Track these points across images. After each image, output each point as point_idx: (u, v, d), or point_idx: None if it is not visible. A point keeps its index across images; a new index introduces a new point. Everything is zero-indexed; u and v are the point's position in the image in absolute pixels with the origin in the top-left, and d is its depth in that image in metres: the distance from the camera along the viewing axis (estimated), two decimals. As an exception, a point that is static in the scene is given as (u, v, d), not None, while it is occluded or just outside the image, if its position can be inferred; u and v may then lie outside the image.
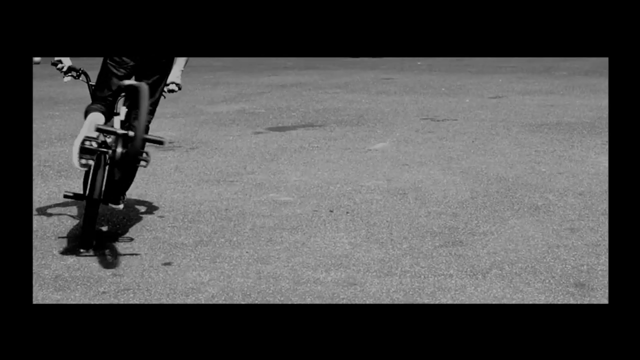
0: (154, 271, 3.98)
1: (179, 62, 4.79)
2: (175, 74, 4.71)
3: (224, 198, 5.34)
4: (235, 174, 6.03)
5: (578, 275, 3.94)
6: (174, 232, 4.60)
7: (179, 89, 4.76)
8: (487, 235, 4.54)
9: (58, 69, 4.61)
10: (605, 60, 16.13)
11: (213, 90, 11.28)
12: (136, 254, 4.22)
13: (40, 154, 6.71)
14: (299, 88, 11.15)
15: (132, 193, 5.44)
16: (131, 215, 4.93)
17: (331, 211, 5.04)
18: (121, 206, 4.46)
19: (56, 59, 4.59)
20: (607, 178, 5.85)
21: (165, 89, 4.64)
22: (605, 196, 5.36)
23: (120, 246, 4.35)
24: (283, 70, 13.54)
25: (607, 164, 6.30)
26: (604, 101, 9.87)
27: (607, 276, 3.93)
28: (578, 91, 10.87)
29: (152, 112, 4.39)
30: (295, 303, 3.57)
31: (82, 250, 4.23)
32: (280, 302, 3.58)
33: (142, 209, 5.08)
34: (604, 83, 11.87)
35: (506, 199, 5.30)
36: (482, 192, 5.49)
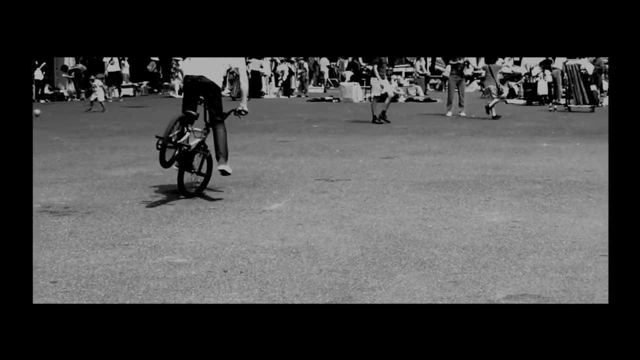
0: (45, 337, 3.96)
1: (244, 94, 7.85)
2: (243, 103, 7.80)
3: (119, 262, 5.36)
4: (130, 237, 6.05)
5: (458, 324, 4.18)
6: (65, 298, 4.59)
7: (246, 113, 7.82)
8: (375, 290, 4.75)
9: None
10: (488, 122, 16.98)
11: (111, 154, 11.24)
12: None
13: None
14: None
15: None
16: (22, 282, 4.88)
17: (225, 271, 5.14)
18: None
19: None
20: (489, 232, 6.21)
21: (240, 114, 7.76)
22: (487, 250, 5.69)
23: (10, 313, 4.31)
24: (181, 133, 13.61)
25: (489, 220, 6.68)
26: (488, 160, 10.44)
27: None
28: (464, 151, 11.44)
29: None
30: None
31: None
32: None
33: (34, 275, 5.03)
34: (488, 142, 12.54)
35: (394, 255, 5.55)
36: (372, 248, 5.73)
